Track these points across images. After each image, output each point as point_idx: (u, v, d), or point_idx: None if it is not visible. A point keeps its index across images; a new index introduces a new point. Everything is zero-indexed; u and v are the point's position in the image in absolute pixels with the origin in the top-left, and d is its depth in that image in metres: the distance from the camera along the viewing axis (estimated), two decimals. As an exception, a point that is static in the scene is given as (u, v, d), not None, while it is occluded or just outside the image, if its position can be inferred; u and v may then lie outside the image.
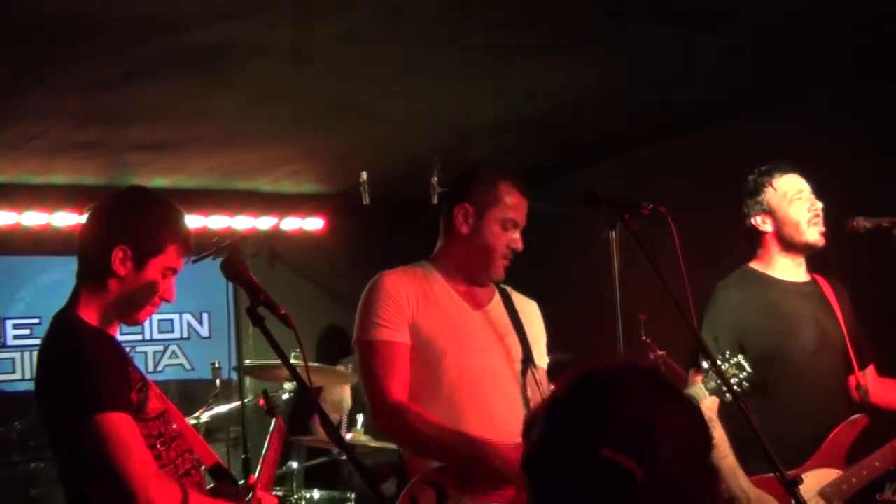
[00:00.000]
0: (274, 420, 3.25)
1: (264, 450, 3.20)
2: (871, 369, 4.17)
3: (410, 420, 3.32)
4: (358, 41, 4.54)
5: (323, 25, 4.32)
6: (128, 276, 2.91)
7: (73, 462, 2.83)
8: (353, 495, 5.73)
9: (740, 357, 3.75)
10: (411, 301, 3.45)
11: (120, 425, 2.69)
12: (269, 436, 3.26)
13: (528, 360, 3.54)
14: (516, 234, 3.52)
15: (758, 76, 5.34)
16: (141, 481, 2.66)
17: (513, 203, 3.52)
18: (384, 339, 3.41)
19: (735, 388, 3.69)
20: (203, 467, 3.11)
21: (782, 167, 4.10)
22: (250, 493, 3.05)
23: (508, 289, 3.72)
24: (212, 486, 3.10)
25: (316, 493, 5.71)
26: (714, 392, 3.70)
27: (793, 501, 2.87)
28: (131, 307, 2.95)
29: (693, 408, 1.64)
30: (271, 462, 3.22)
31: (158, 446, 2.84)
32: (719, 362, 3.71)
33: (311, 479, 6.09)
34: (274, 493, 3.26)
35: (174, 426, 2.98)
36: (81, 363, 2.74)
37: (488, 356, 3.48)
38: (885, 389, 4.15)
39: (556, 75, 5.17)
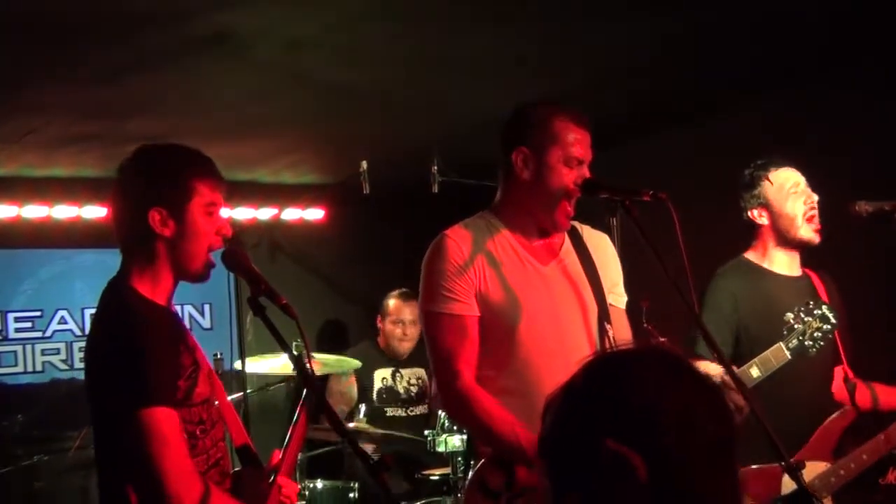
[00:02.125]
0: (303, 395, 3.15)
1: (287, 437, 3.13)
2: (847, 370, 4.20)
3: (476, 410, 3.24)
4: (358, 30, 4.53)
5: (323, 14, 4.31)
6: (174, 234, 2.86)
7: (112, 450, 2.81)
8: (356, 485, 5.74)
9: (824, 308, 3.82)
10: (478, 267, 3.31)
11: (162, 421, 2.67)
12: (291, 427, 3.14)
13: (603, 316, 3.41)
14: (583, 171, 3.34)
15: (758, 65, 5.33)
16: (174, 483, 2.64)
17: (572, 139, 3.32)
18: (453, 312, 3.30)
19: (820, 341, 3.77)
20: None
21: (778, 161, 4.14)
22: (272, 477, 3.03)
23: (577, 225, 3.54)
24: (237, 469, 3.09)
25: (319, 484, 5.72)
26: (797, 351, 3.76)
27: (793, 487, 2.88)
28: (191, 261, 2.91)
29: (710, 396, 1.59)
30: (294, 450, 3.17)
31: (198, 433, 2.83)
32: (802, 314, 3.80)
33: (314, 469, 6.10)
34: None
35: (216, 406, 2.96)
36: (131, 351, 2.70)
37: (562, 321, 3.35)
38: (869, 392, 4.18)
39: (558, 64, 5.16)
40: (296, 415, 3.12)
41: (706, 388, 1.60)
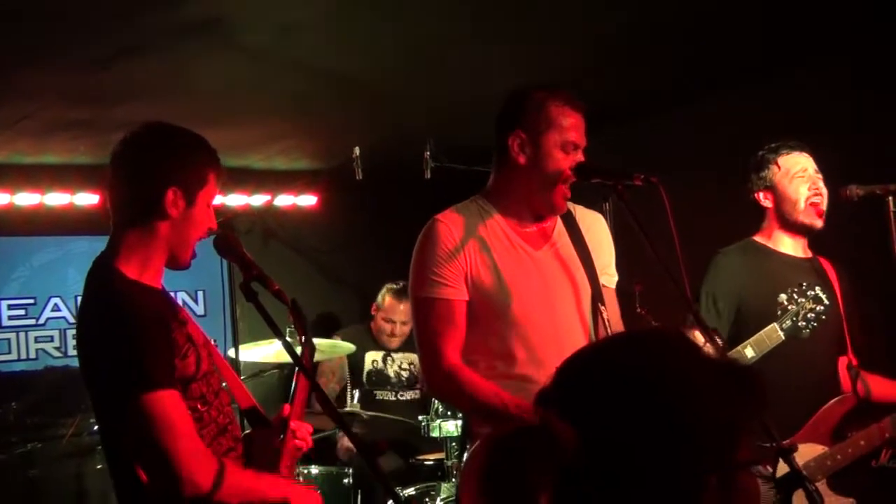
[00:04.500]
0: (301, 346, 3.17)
1: (292, 389, 3.14)
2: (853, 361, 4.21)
3: (463, 386, 3.26)
4: (350, 15, 4.52)
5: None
6: (179, 217, 2.86)
7: (117, 434, 2.80)
8: (351, 471, 5.75)
9: (817, 289, 3.83)
10: (468, 252, 3.31)
11: (167, 404, 2.67)
12: (294, 380, 3.18)
13: (596, 297, 3.42)
14: (578, 156, 3.33)
15: (755, 47, 5.32)
16: (187, 464, 2.64)
17: (569, 124, 3.31)
18: (441, 296, 3.31)
19: (814, 322, 3.78)
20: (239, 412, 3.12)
21: (790, 145, 4.14)
22: (282, 435, 3.03)
23: (570, 205, 3.53)
24: (247, 432, 3.10)
25: (314, 469, 5.72)
26: (790, 332, 3.77)
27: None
28: (184, 247, 2.91)
29: (720, 376, 1.57)
30: (301, 397, 3.17)
31: (199, 407, 2.83)
32: (795, 295, 3.81)
33: (309, 454, 6.11)
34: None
35: (216, 375, 2.96)
36: (125, 337, 2.69)
37: (556, 306, 3.36)
38: (872, 383, 4.18)
39: (554, 47, 5.14)
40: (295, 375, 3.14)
41: (716, 369, 1.60)
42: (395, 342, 6.67)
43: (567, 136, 3.31)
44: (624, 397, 1.51)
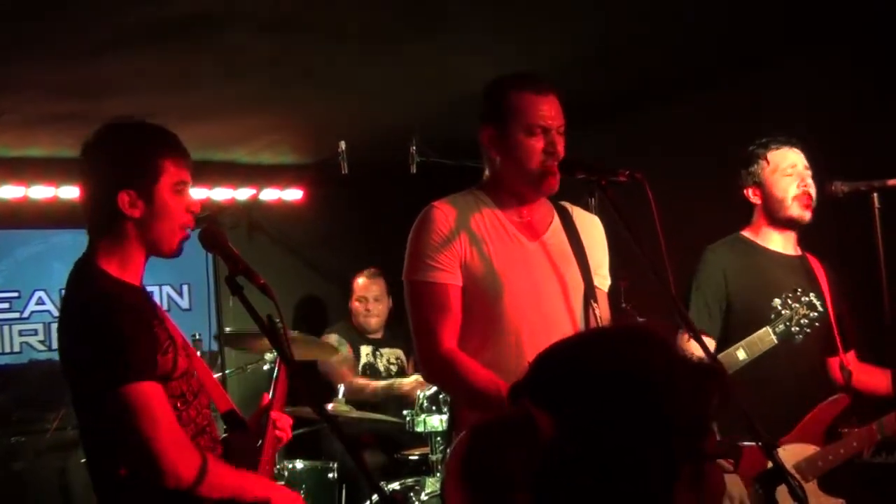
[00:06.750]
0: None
1: (273, 381, 3.16)
2: (852, 354, 4.21)
3: (459, 372, 3.25)
4: (335, 9, 4.52)
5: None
6: (144, 215, 2.85)
7: (97, 429, 2.81)
8: (335, 465, 5.74)
9: (812, 295, 3.83)
10: (463, 238, 3.32)
11: (150, 395, 2.67)
12: (276, 373, 3.20)
13: (589, 293, 3.42)
14: (550, 138, 3.29)
15: (743, 42, 5.33)
16: (170, 455, 2.65)
17: (531, 108, 3.29)
18: (436, 281, 3.30)
19: (807, 328, 3.78)
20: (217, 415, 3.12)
21: (779, 140, 4.13)
22: (260, 441, 3.03)
23: (568, 206, 3.54)
24: (225, 435, 3.10)
25: (299, 464, 5.72)
26: (783, 336, 3.76)
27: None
28: (163, 240, 2.90)
29: (693, 375, 1.59)
30: (282, 390, 3.17)
31: (179, 406, 2.83)
32: (790, 301, 3.81)
33: (293, 449, 6.11)
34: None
35: (195, 376, 2.95)
36: (107, 331, 2.69)
37: (545, 298, 3.35)
38: (865, 375, 4.19)
39: (543, 39, 5.13)
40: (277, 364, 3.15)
41: (685, 365, 1.61)
42: (373, 321, 6.80)
43: (530, 120, 3.29)
44: (596, 390, 1.53)
